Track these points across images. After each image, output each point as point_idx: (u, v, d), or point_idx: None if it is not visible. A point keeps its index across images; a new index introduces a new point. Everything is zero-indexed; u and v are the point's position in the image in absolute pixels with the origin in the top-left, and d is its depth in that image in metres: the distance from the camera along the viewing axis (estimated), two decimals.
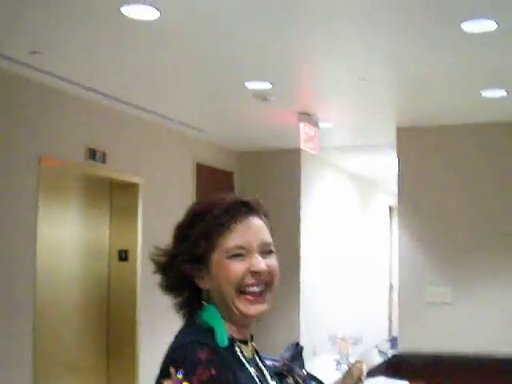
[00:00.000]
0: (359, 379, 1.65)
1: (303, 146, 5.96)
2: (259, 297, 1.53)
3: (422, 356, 4.41)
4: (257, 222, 1.57)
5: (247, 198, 1.61)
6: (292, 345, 2.82)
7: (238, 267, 1.51)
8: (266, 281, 1.54)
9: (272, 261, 1.56)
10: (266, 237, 1.57)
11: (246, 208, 1.58)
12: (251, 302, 1.52)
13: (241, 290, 1.52)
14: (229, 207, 1.56)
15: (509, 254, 5.73)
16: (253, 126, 6.61)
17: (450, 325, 5.61)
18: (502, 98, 5.35)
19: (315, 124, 6.08)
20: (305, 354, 2.87)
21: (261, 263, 1.53)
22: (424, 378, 3.89)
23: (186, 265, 1.55)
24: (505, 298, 5.64)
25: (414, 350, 4.77)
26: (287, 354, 2.65)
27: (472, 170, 6.02)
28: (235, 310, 1.51)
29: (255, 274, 1.51)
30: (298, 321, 7.48)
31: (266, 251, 1.56)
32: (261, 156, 7.73)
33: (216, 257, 1.53)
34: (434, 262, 5.89)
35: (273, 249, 1.58)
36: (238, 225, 1.54)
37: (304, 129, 5.92)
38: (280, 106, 5.79)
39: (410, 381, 3.70)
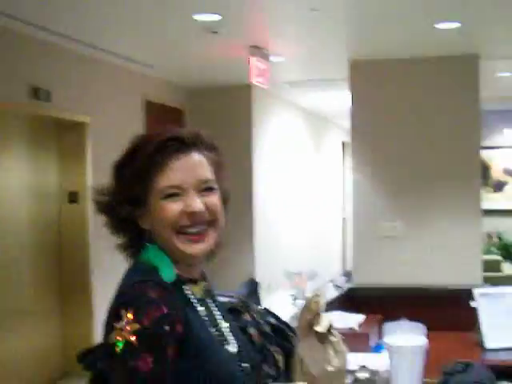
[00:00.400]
0: (317, 313, 1.59)
1: (254, 80, 5.85)
2: (198, 236, 1.46)
3: (377, 289, 4.44)
4: (193, 158, 1.47)
5: (184, 131, 1.50)
6: (247, 281, 2.78)
7: (172, 208, 1.44)
8: (205, 220, 1.46)
9: (211, 199, 1.48)
10: (204, 173, 1.48)
11: (181, 144, 1.47)
12: (191, 242, 1.45)
13: (179, 231, 1.45)
14: (161, 143, 1.45)
15: (456, 186, 5.76)
16: (202, 60, 6.45)
17: (403, 258, 5.67)
18: (456, 29, 5.29)
19: (266, 58, 5.95)
20: (260, 290, 2.83)
21: (196, 203, 1.44)
22: (379, 310, 3.91)
23: (125, 206, 1.47)
24: (453, 229, 5.71)
25: (368, 283, 4.81)
26: (243, 291, 2.61)
27: (426, 104, 5.99)
28: (176, 251, 1.45)
29: (191, 214, 1.44)
30: (253, 257, 7.49)
31: (204, 189, 1.47)
32: (211, 92, 7.60)
33: (152, 198, 1.45)
34: (386, 197, 5.91)
35: (214, 186, 1.49)
36: (172, 162, 1.44)
37: (255, 63, 5.79)
38: (230, 40, 5.64)
39: (365, 314, 3.72)
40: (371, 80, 6.16)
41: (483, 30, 5.56)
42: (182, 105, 7.59)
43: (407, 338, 2.29)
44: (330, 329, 1.58)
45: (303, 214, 9.63)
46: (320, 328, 1.60)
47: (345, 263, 11.80)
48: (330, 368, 1.70)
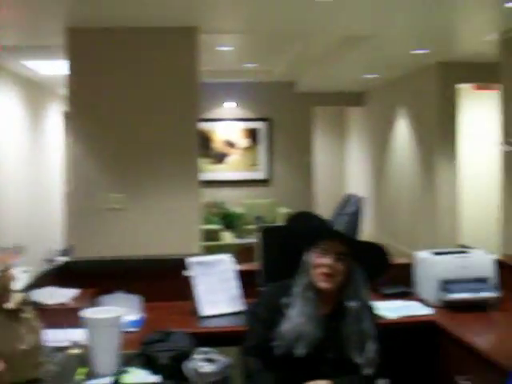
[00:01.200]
0: (5, 290, 1.50)
1: None
2: None
3: (95, 262, 4.37)
4: None
5: None
6: None
7: None
8: None
9: None
10: None
11: None
12: None
13: None
14: None
15: (176, 158, 5.85)
16: None
17: (123, 230, 5.66)
18: (174, 1, 5.33)
19: None
20: None
21: None
22: (98, 284, 3.85)
23: None
24: (173, 200, 5.80)
25: (87, 257, 4.72)
26: None
27: (145, 75, 5.98)
28: None
29: None
30: None
31: None
32: None
33: None
34: (106, 169, 5.82)
35: None
36: None
37: None
38: None
39: (80, 287, 3.64)
40: (90, 49, 5.99)
41: (203, 3, 5.66)
42: None
43: (106, 311, 2.26)
44: (22, 306, 1.50)
45: (21, 185, 9.22)
46: (10, 305, 1.51)
47: (66, 239, 11.53)
48: (22, 346, 1.62)
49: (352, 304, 2.79)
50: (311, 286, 2.80)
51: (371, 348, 2.77)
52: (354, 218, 2.93)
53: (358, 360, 2.76)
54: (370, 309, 2.89)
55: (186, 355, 2.13)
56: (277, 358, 2.76)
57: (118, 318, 2.19)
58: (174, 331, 2.16)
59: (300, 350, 2.72)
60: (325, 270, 2.77)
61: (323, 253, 2.80)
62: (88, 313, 2.20)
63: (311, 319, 2.76)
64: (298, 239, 2.87)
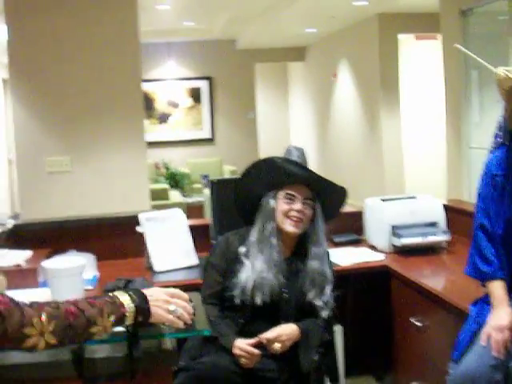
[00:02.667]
0: None
1: None
2: None
3: (46, 223, 4.31)
4: None
5: None
6: None
7: None
8: None
9: None
10: None
11: None
12: None
13: None
14: None
15: (121, 119, 5.77)
16: None
17: (72, 191, 5.59)
18: None
19: None
20: None
21: None
22: (49, 245, 3.81)
23: None
24: (120, 160, 5.75)
25: (37, 219, 4.65)
26: None
27: (87, 36, 5.82)
28: None
29: None
30: None
31: None
32: None
33: None
34: (51, 132, 5.71)
35: None
36: None
37: None
38: None
39: (32, 249, 3.59)
40: (29, 12, 5.80)
41: None
42: None
43: (66, 260, 2.23)
44: None
45: None
46: None
47: (14, 205, 11.34)
48: None
49: (315, 247, 2.82)
50: (276, 232, 2.81)
51: (329, 292, 2.82)
52: (302, 161, 2.95)
53: (318, 303, 2.80)
54: (327, 254, 2.93)
55: None
56: (237, 306, 2.78)
57: (81, 266, 2.17)
58: (134, 279, 2.15)
59: (261, 298, 2.74)
60: (296, 215, 2.79)
61: (291, 198, 2.80)
62: (48, 264, 2.17)
63: (273, 265, 2.77)
64: (260, 185, 2.86)
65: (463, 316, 2.73)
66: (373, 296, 3.86)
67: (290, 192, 2.80)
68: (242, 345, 2.70)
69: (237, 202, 2.97)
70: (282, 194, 2.82)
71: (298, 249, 2.88)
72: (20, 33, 5.72)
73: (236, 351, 2.71)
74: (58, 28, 5.75)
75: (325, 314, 2.81)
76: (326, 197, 2.85)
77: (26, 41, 5.72)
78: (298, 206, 2.79)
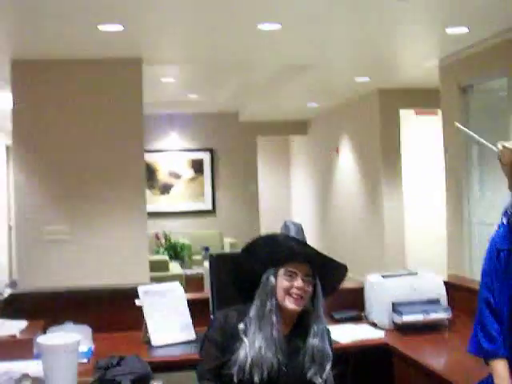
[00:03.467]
0: None
1: None
2: None
3: (42, 293, 4.26)
4: None
5: None
6: None
7: None
8: None
9: None
10: None
11: None
12: None
13: None
14: None
15: (122, 189, 5.79)
16: None
17: (70, 261, 5.58)
18: (118, 32, 5.30)
19: None
20: None
21: None
22: (45, 315, 3.75)
23: None
24: (120, 231, 5.74)
25: (33, 289, 4.61)
26: None
27: (90, 106, 5.93)
28: None
29: None
30: None
31: None
32: None
33: None
34: (51, 201, 5.74)
35: None
36: None
37: None
38: None
39: (28, 319, 3.54)
40: (34, 81, 5.93)
41: (146, 35, 5.66)
42: None
43: (62, 336, 2.19)
44: None
45: None
46: None
47: (12, 273, 11.26)
48: None
49: (316, 324, 2.78)
50: (276, 309, 2.77)
51: (329, 369, 2.76)
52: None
53: (317, 381, 2.74)
54: (328, 331, 2.89)
55: (146, 378, 2.09)
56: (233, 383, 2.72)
57: (75, 343, 2.12)
58: (127, 356, 2.10)
59: (259, 376, 2.68)
60: (297, 292, 2.75)
61: (292, 275, 2.78)
62: (43, 339, 2.13)
63: (273, 343, 2.72)
64: (260, 262, 2.84)
65: None
66: (373, 374, 3.79)
67: (290, 269, 2.77)
68: None
69: (235, 279, 2.94)
70: (282, 270, 2.79)
71: (297, 326, 2.83)
72: (25, 101, 5.80)
73: None
74: (62, 96, 5.83)
75: None
76: (325, 273, 2.82)
77: (30, 109, 5.80)
78: (299, 283, 2.75)
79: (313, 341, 2.76)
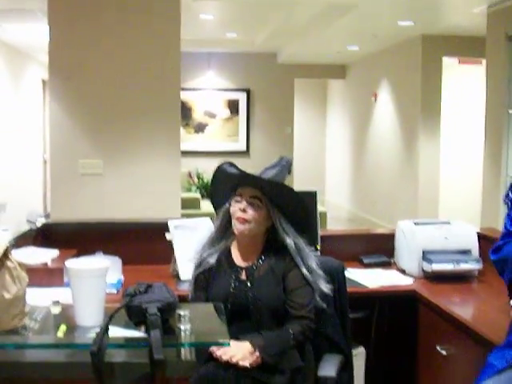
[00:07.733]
0: None
1: None
2: None
3: (73, 224, 4.32)
4: None
5: None
6: None
7: None
8: None
9: None
10: None
11: None
12: None
13: None
14: None
15: (157, 126, 5.77)
16: None
17: (103, 195, 5.58)
18: None
19: None
20: None
21: None
22: (77, 245, 3.81)
23: None
24: (154, 167, 5.74)
25: (67, 219, 4.66)
26: None
27: (128, 42, 5.83)
28: None
29: None
30: None
31: None
32: None
33: None
34: (86, 135, 5.72)
35: None
36: None
37: None
38: None
39: (60, 249, 3.59)
40: (71, 13, 5.85)
41: None
42: None
43: (90, 262, 2.21)
44: (6, 254, 1.45)
45: (1, 149, 9.11)
46: None
47: (46, 205, 11.44)
48: (6, 295, 1.58)
49: (288, 239, 2.81)
50: (232, 236, 2.90)
51: (324, 285, 2.82)
52: (281, 170, 2.93)
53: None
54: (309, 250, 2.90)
55: (173, 306, 2.12)
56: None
57: (104, 269, 2.14)
58: (154, 283, 2.13)
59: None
60: (239, 214, 2.82)
61: (238, 199, 2.85)
62: (71, 263, 2.15)
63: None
64: (222, 194, 2.94)
65: (491, 347, 2.64)
66: (398, 321, 3.79)
67: (237, 194, 2.86)
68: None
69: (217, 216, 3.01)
70: (232, 197, 2.88)
71: (265, 253, 2.89)
72: (62, 34, 5.75)
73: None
74: (99, 30, 5.77)
75: (303, 312, 2.77)
76: (278, 198, 2.84)
77: (67, 42, 5.75)
78: (242, 205, 2.82)
79: (288, 244, 2.82)
